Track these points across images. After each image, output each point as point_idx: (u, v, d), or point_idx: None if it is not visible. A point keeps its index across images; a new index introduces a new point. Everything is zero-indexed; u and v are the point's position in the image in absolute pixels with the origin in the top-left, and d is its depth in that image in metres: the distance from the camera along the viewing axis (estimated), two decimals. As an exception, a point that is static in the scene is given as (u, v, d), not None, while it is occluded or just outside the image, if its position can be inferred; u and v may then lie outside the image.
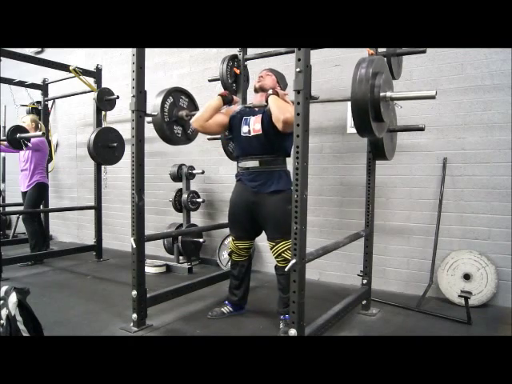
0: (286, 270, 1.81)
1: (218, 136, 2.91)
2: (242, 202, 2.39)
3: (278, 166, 2.31)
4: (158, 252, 4.09)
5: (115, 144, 3.82)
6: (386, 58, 2.26)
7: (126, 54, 4.44)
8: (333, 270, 3.35)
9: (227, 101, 2.43)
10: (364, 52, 2.66)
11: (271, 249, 2.30)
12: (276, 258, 2.29)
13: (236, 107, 2.49)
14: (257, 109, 2.38)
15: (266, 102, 2.22)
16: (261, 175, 2.30)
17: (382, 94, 1.76)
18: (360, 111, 1.72)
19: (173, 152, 4.22)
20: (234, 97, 2.50)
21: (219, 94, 2.41)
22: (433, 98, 1.79)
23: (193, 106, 2.66)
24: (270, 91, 2.23)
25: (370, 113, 1.72)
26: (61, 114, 5.29)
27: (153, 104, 2.45)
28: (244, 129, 2.36)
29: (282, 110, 2.10)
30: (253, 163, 2.33)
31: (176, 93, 2.54)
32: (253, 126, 2.31)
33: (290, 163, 1.93)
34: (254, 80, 2.46)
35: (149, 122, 2.46)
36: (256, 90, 2.41)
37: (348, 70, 3.22)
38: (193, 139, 2.72)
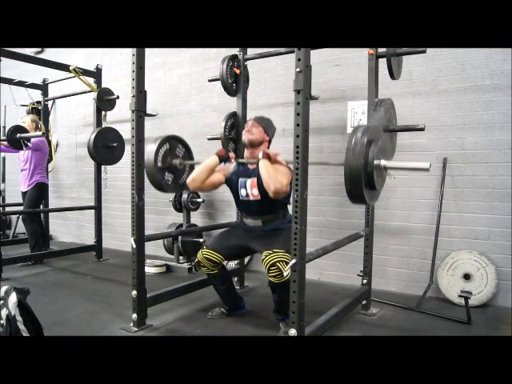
0: (284, 272, 1.81)
1: (218, 136, 2.92)
2: (243, 234, 2.43)
3: (280, 220, 2.31)
4: (158, 252, 4.09)
5: (115, 144, 3.82)
6: (386, 58, 2.27)
7: (126, 54, 4.44)
8: (333, 270, 3.35)
9: (223, 160, 2.38)
10: (364, 52, 2.67)
11: (264, 259, 2.11)
12: (268, 269, 2.09)
13: (231, 166, 2.46)
14: (250, 166, 2.37)
15: (258, 165, 2.19)
16: (264, 231, 2.36)
17: (375, 163, 1.73)
18: (353, 178, 1.70)
19: (173, 152, 4.22)
20: (230, 154, 2.43)
21: (216, 154, 2.37)
22: (427, 170, 1.74)
23: (188, 156, 2.62)
24: (260, 155, 2.18)
25: (363, 180, 1.70)
26: (61, 114, 5.29)
27: (148, 149, 2.38)
28: (242, 192, 2.37)
29: (272, 180, 2.07)
30: (255, 223, 2.38)
31: (173, 140, 2.51)
32: (250, 190, 2.33)
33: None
34: (243, 130, 2.41)
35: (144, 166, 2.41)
36: (245, 145, 2.39)
37: (348, 70, 3.23)
38: (182, 190, 2.65)
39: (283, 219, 2.35)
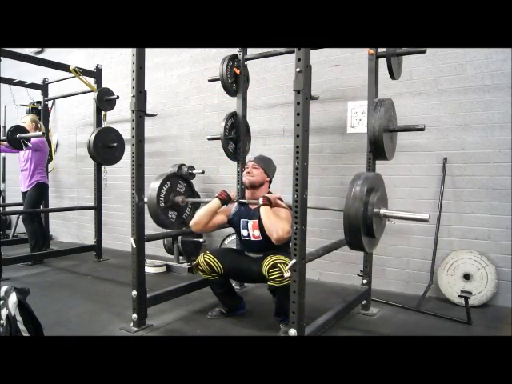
0: (286, 269, 1.81)
1: (218, 136, 2.92)
2: (246, 255, 2.44)
3: (282, 252, 2.26)
4: (158, 252, 4.09)
5: (115, 144, 3.82)
6: (386, 58, 2.27)
7: (126, 54, 4.44)
8: (333, 270, 3.35)
9: (225, 202, 2.39)
10: (364, 52, 2.67)
11: (266, 260, 2.14)
12: (268, 271, 2.10)
13: (233, 206, 2.48)
14: (251, 206, 2.39)
15: (259, 211, 2.21)
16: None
17: (375, 211, 1.74)
18: (352, 227, 1.70)
19: (173, 152, 4.23)
20: (231, 195, 2.43)
21: (216, 197, 2.39)
22: (426, 221, 1.73)
23: (190, 191, 2.64)
24: (260, 201, 2.20)
25: (362, 229, 1.71)
26: (61, 114, 5.29)
27: (151, 188, 2.40)
28: (244, 232, 2.39)
29: (274, 227, 2.09)
30: (257, 256, 2.37)
31: (174, 178, 2.53)
32: (252, 231, 2.35)
33: (290, 165, 1.93)
34: (244, 171, 2.43)
35: (145, 203, 2.40)
36: (246, 187, 2.41)
37: (348, 70, 3.23)
38: (186, 226, 2.64)
39: (285, 250, 2.30)
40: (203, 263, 2.37)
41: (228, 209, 2.48)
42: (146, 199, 2.39)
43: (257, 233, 2.33)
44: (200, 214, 2.36)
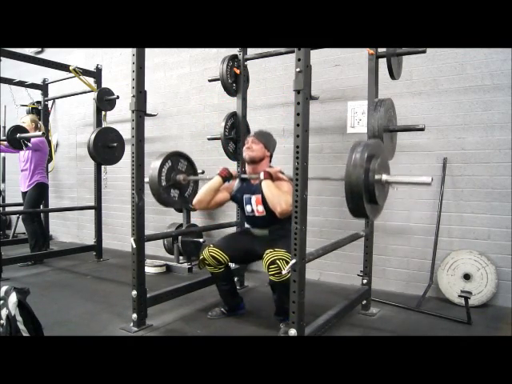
0: (284, 271, 1.81)
1: (218, 136, 2.92)
2: (250, 237, 2.46)
3: (287, 228, 2.23)
4: (158, 252, 4.09)
5: (115, 144, 3.82)
6: (386, 58, 2.27)
7: (126, 54, 4.44)
8: (333, 270, 3.35)
9: (226, 179, 2.39)
10: (364, 52, 2.67)
11: (265, 256, 2.13)
12: (268, 267, 2.10)
13: (235, 182, 2.48)
14: (253, 181, 2.38)
15: (261, 185, 2.20)
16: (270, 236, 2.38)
17: (377, 178, 1.73)
18: (354, 195, 1.69)
19: (173, 152, 4.22)
20: (232, 172, 2.43)
21: (218, 174, 2.38)
22: (428, 184, 1.73)
23: (191, 169, 2.64)
24: (262, 176, 2.19)
25: (364, 196, 1.69)
26: (61, 114, 5.29)
27: (152, 167, 2.40)
28: (247, 208, 2.40)
29: (277, 200, 2.10)
30: (262, 232, 2.40)
31: (175, 157, 2.52)
32: (256, 207, 2.35)
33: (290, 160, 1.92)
34: (244, 146, 2.41)
35: (146, 183, 2.42)
36: (247, 162, 2.40)
37: (348, 70, 3.23)
38: (189, 204, 2.66)
39: (289, 226, 2.32)
40: (209, 258, 2.37)
41: (230, 186, 2.48)
42: (147, 179, 2.39)
43: (260, 208, 2.33)
44: (202, 193, 2.36)
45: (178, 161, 2.54)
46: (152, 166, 2.40)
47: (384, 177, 1.76)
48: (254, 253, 2.36)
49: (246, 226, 2.63)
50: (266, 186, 2.16)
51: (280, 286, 2.10)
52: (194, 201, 2.39)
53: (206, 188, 2.36)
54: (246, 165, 2.44)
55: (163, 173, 2.42)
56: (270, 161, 2.46)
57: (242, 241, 2.46)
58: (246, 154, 2.36)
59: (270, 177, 2.19)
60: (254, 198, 2.35)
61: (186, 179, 2.54)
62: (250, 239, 2.44)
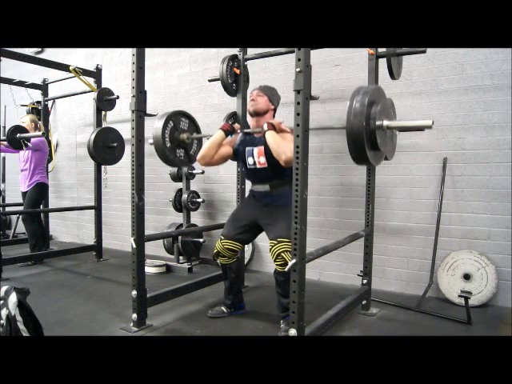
0: (285, 269, 1.81)
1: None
2: (251, 207, 2.46)
3: (287, 184, 2.30)
4: (158, 252, 4.09)
5: (115, 144, 3.82)
6: (386, 57, 2.27)
7: (126, 54, 4.45)
8: (333, 270, 3.34)
9: (229, 133, 2.41)
10: (364, 52, 2.67)
11: (271, 248, 2.23)
12: (275, 259, 2.21)
13: (237, 136, 2.49)
14: (256, 135, 2.39)
15: (264, 137, 2.22)
16: (272, 194, 2.38)
17: (378, 124, 1.73)
18: (356, 142, 1.70)
19: (173, 152, 4.22)
20: (235, 125, 2.46)
21: (220, 128, 2.40)
22: (429, 127, 1.74)
23: (193, 126, 2.65)
24: (265, 126, 2.21)
25: (366, 143, 1.70)
26: (61, 114, 5.29)
27: (154, 127, 2.43)
28: (249, 160, 2.40)
29: (282, 149, 2.12)
30: (264, 188, 2.40)
31: (176, 117, 2.53)
32: (258, 159, 2.35)
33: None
34: (248, 99, 2.43)
35: (150, 144, 2.46)
36: (251, 114, 2.40)
37: (348, 70, 3.23)
38: (195, 160, 2.69)
39: (289, 184, 2.33)
40: (224, 250, 2.42)
41: (233, 140, 2.49)
42: (151, 141, 2.43)
43: (262, 159, 2.33)
44: (205, 148, 2.37)
45: (179, 120, 2.56)
46: (155, 126, 2.43)
47: (385, 123, 1.77)
48: (256, 224, 2.42)
49: (247, 191, 2.62)
50: (271, 136, 2.18)
51: (285, 275, 2.13)
52: (198, 156, 2.39)
53: (209, 143, 2.37)
54: (251, 118, 2.44)
55: (166, 134, 2.43)
56: (274, 115, 2.46)
57: (244, 214, 2.47)
58: (251, 106, 2.37)
59: (274, 128, 2.21)
60: (256, 150, 2.35)
61: (190, 137, 2.57)
62: (251, 208, 2.44)
